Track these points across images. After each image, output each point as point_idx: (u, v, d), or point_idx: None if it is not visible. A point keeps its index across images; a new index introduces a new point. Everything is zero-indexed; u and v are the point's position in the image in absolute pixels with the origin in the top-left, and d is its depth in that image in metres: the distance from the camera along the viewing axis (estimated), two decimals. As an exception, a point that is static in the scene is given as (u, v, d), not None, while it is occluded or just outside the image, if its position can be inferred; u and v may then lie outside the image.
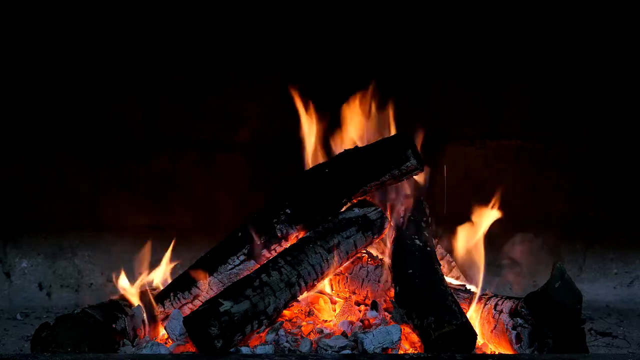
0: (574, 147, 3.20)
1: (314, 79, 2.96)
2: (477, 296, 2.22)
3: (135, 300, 2.24)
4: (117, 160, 3.17)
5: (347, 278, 2.39)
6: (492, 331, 2.10)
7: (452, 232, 2.61)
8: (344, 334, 2.10)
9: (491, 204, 2.49)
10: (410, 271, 2.16)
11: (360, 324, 2.20)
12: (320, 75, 3.01)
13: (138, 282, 2.36)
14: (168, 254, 2.48)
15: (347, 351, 1.98)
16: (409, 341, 2.08)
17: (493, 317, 2.11)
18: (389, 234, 2.43)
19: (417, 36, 3.07)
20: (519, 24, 3.10)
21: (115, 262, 3.19)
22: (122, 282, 2.33)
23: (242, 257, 2.31)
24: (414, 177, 2.42)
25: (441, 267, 2.28)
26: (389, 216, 2.44)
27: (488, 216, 2.47)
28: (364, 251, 2.40)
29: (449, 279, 2.44)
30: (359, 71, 2.88)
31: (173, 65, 3.13)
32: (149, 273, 2.41)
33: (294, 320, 2.23)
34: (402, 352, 1.99)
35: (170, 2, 3.08)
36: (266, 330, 2.07)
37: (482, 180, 3.18)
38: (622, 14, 3.08)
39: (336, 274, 2.38)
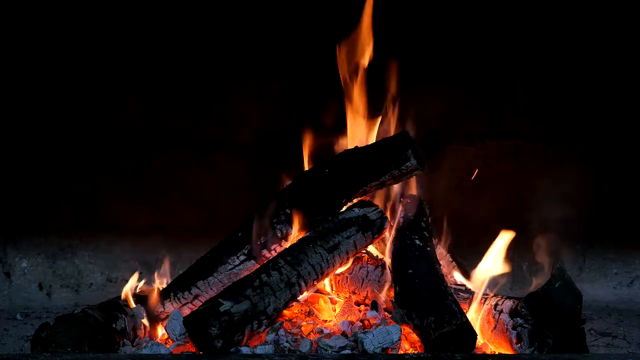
0: (573, 147, 3.20)
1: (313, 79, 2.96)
2: (477, 296, 2.23)
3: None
4: (117, 160, 3.17)
5: (347, 278, 2.39)
6: (492, 331, 2.11)
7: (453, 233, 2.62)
8: (344, 334, 2.10)
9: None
10: (410, 271, 2.16)
11: (360, 324, 2.20)
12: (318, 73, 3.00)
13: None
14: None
15: (347, 351, 1.98)
16: (409, 341, 2.08)
17: (493, 317, 2.11)
18: (389, 234, 2.43)
19: (417, 36, 3.07)
20: (519, 24, 3.10)
21: (115, 262, 3.21)
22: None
23: (242, 257, 2.31)
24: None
25: (441, 267, 2.28)
26: (389, 216, 2.44)
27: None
28: (364, 251, 2.40)
29: (449, 279, 2.44)
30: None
31: (173, 65, 3.13)
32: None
33: (294, 320, 2.23)
34: (402, 352, 1.99)
35: (170, 3, 3.08)
36: (266, 330, 2.07)
37: (482, 180, 3.18)
38: (622, 15, 3.08)
39: (336, 274, 2.38)
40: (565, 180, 3.20)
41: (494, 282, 2.37)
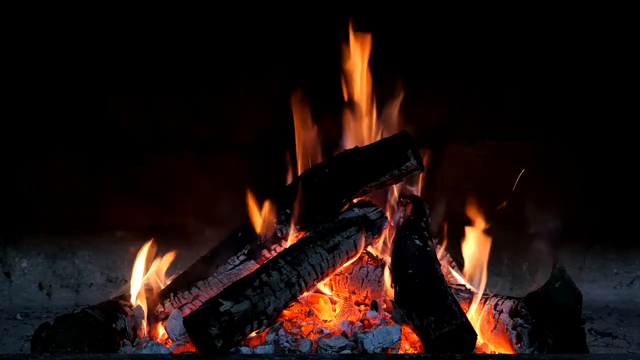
0: (574, 148, 3.20)
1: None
2: (477, 296, 2.23)
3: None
4: (117, 160, 3.17)
5: (347, 278, 2.39)
6: (492, 331, 2.10)
7: (452, 233, 2.62)
8: (344, 334, 2.10)
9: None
10: (410, 271, 2.16)
11: (360, 324, 2.20)
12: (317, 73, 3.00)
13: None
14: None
15: (347, 351, 1.98)
16: (409, 341, 2.08)
17: (493, 317, 2.11)
18: (388, 234, 2.43)
19: (418, 35, 3.07)
20: (519, 25, 3.10)
21: (115, 262, 3.21)
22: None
23: (242, 257, 2.31)
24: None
25: (441, 267, 2.28)
26: (389, 216, 2.44)
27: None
28: (364, 251, 2.40)
29: (449, 279, 2.44)
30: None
31: (173, 65, 3.13)
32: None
33: (294, 320, 2.23)
34: (402, 352, 1.99)
35: (170, 3, 3.08)
36: (266, 330, 2.08)
37: (482, 180, 3.18)
38: (621, 17, 3.08)
39: (336, 274, 2.38)
40: (565, 180, 3.21)
41: (493, 282, 2.38)
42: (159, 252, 2.49)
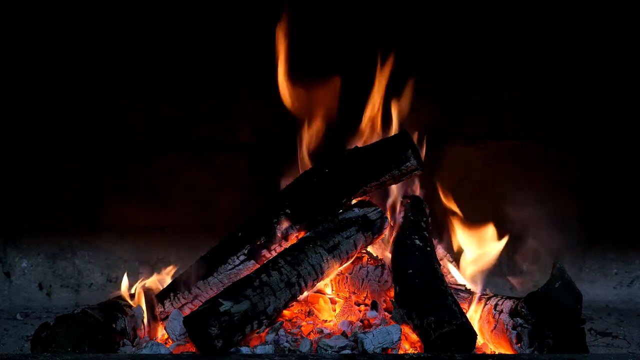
0: (574, 148, 3.20)
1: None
2: (477, 296, 2.23)
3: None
4: (117, 160, 3.17)
5: (347, 278, 2.39)
6: (492, 331, 2.11)
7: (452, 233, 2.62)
8: (344, 334, 2.10)
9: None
10: (410, 271, 2.16)
11: (360, 324, 2.20)
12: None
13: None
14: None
15: (347, 351, 1.98)
16: (409, 341, 2.08)
17: (493, 317, 2.11)
18: (389, 234, 2.43)
19: (418, 34, 3.07)
20: (520, 25, 3.10)
21: (115, 262, 3.21)
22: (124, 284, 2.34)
23: (242, 257, 2.31)
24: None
25: (441, 267, 2.28)
26: (388, 216, 2.44)
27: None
28: (364, 251, 2.40)
29: (449, 279, 2.44)
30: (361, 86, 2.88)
31: (174, 66, 3.13)
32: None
33: (294, 320, 2.23)
34: (402, 352, 1.99)
35: (171, 4, 3.08)
36: (266, 330, 2.08)
37: (482, 180, 3.18)
38: (622, 18, 3.08)
39: (336, 274, 2.38)
40: (565, 180, 3.21)
41: (493, 282, 2.38)
42: (159, 253, 2.50)
